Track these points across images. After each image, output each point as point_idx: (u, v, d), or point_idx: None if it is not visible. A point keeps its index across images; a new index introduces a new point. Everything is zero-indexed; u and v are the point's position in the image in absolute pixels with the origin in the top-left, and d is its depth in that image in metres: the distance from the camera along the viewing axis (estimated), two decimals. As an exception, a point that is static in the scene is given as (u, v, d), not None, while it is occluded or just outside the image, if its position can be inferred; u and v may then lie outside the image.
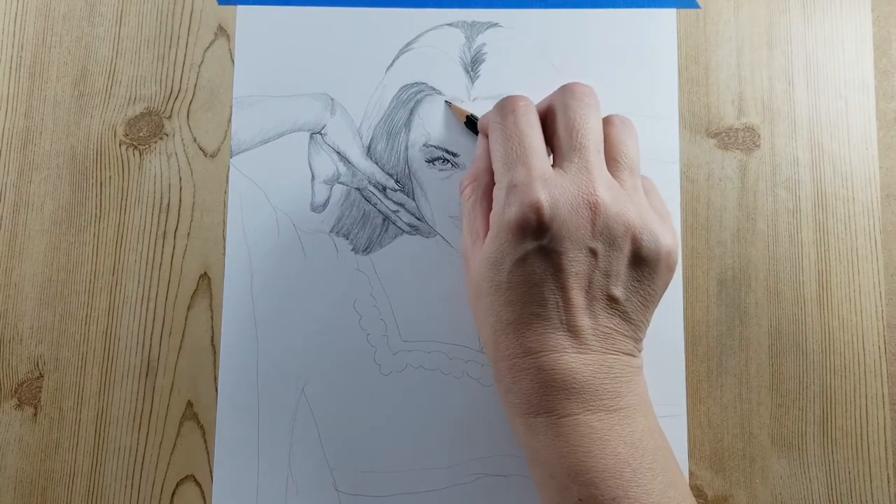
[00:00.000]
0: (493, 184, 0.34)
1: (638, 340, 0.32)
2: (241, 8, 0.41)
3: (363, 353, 0.39)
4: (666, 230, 0.32)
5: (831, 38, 0.41)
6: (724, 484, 0.38)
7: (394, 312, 0.39)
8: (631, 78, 0.41)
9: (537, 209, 0.30)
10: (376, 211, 0.40)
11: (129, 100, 0.40)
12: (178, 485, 0.38)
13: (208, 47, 0.41)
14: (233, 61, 0.41)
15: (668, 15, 0.41)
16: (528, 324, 0.31)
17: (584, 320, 0.31)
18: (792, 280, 0.39)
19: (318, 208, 0.40)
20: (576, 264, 0.30)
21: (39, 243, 0.39)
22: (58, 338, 0.39)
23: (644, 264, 0.31)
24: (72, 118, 0.40)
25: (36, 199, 0.40)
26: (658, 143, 0.40)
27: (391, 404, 0.38)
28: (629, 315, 0.32)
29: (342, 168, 0.40)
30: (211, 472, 0.38)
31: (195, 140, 0.40)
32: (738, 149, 0.40)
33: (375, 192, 0.40)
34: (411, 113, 0.40)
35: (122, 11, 0.41)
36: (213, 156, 0.40)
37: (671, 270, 0.33)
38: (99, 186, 0.40)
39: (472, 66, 0.41)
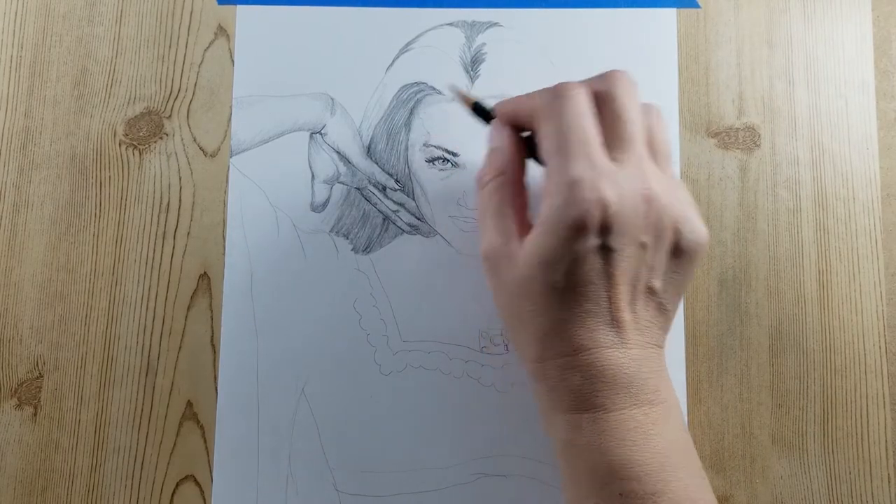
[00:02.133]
0: (521, 180, 0.33)
1: (667, 332, 0.32)
2: (241, 8, 0.41)
3: (363, 353, 0.39)
4: (700, 220, 0.32)
5: (831, 37, 0.41)
6: (725, 484, 0.38)
7: (394, 312, 0.39)
8: (631, 78, 0.41)
9: (604, 206, 0.29)
10: (376, 211, 0.40)
11: (129, 100, 0.40)
12: (178, 485, 0.38)
13: (208, 47, 0.41)
14: (233, 61, 0.41)
15: (668, 15, 0.41)
16: (581, 321, 0.30)
17: (628, 315, 0.30)
18: (792, 280, 0.39)
19: (318, 208, 0.40)
20: (628, 260, 0.30)
21: (39, 243, 0.39)
22: (58, 338, 0.39)
23: (682, 254, 0.31)
24: (72, 118, 0.40)
25: (36, 198, 0.40)
26: (658, 143, 0.40)
27: (391, 404, 0.38)
28: (664, 305, 0.32)
29: (342, 168, 0.40)
30: (211, 472, 0.38)
31: (195, 140, 0.40)
32: (738, 148, 0.40)
33: (375, 191, 0.40)
34: (411, 113, 0.40)
35: (122, 11, 0.41)
36: (213, 156, 0.40)
37: (702, 258, 0.33)
38: (99, 186, 0.40)
39: (472, 65, 0.41)
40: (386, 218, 0.40)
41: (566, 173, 0.30)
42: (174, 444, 0.38)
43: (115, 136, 0.40)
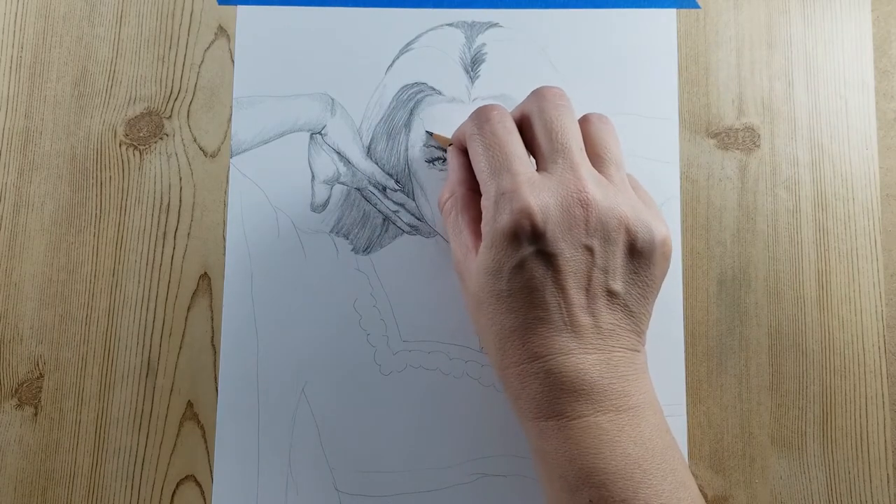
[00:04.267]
0: (469, 195, 0.35)
1: (640, 334, 0.32)
2: (241, 8, 0.41)
3: (363, 353, 0.39)
4: (658, 220, 0.32)
5: (831, 38, 0.41)
6: (724, 484, 0.38)
7: (394, 312, 0.39)
8: (631, 78, 0.41)
9: (529, 214, 0.30)
10: (376, 211, 0.40)
11: (129, 100, 0.41)
12: (178, 485, 0.38)
13: (208, 47, 0.41)
14: (233, 61, 0.41)
15: (668, 15, 0.41)
16: (532, 329, 0.31)
17: (586, 319, 0.31)
18: (792, 280, 0.39)
19: (318, 208, 0.40)
20: (573, 263, 0.31)
21: (39, 243, 0.39)
22: (58, 338, 0.39)
23: (640, 256, 0.32)
24: (72, 118, 0.40)
25: (36, 199, 0.40)
26: (658, 143, 0.40)
27: (391, 404, 0.38)
28: (630, 308, 0.32)
29: (342, 168, 0.40)
30: (211, 472, 0.38)
31: (195, 140, 0.40)
32: (738, 149, 0.40)
33: (375, 192, 0.40)
34: (411, 113, 0.40)
35: (122, 12, 0.41)
36: (213, 156, 0.40)
37: (667, 259, 0.33)
38: (99, 186, 0.40)
39: (472, 66, 0.41)
40: (386, 218, 0.40)
41: (491, 189, 0.32)
42: (174, 445, 0.38)
43: (115, 136, 0.40)
